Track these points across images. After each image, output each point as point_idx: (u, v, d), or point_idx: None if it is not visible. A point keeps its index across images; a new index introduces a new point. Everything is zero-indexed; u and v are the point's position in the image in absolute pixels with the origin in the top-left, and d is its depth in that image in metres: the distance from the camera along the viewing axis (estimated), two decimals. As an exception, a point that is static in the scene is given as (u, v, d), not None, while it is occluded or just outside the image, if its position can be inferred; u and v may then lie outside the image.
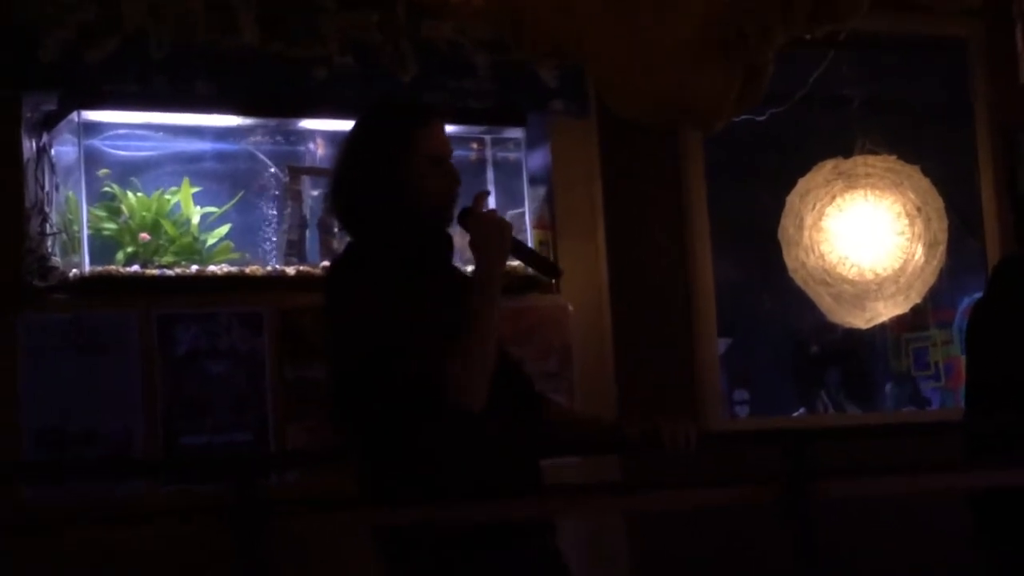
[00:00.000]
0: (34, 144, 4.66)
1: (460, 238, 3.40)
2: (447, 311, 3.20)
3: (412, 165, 3.30)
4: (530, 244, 5.07)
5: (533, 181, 5.28)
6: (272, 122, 5.04)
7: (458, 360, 3.12)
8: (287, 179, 5.01)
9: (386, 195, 3.30)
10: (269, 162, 5.07)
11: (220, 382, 4.67)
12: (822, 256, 5.61)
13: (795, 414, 6.69)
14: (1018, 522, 4.13)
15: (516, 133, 5.26)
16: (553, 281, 5.04)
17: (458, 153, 3.80)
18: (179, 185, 4.88)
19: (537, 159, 5.31)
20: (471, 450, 3.26)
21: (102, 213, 4.76)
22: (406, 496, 3.23)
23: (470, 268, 3.35)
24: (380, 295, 3.20)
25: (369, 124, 3.44)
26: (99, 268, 4.64)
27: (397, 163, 3.30)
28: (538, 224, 5.20)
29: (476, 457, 3.27)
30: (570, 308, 5.17)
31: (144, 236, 4.75)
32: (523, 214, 5.22)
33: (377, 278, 3.24)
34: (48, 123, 4.69)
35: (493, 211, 3.42)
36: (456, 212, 3.38)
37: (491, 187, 5.26)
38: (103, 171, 4.78)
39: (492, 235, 3.28)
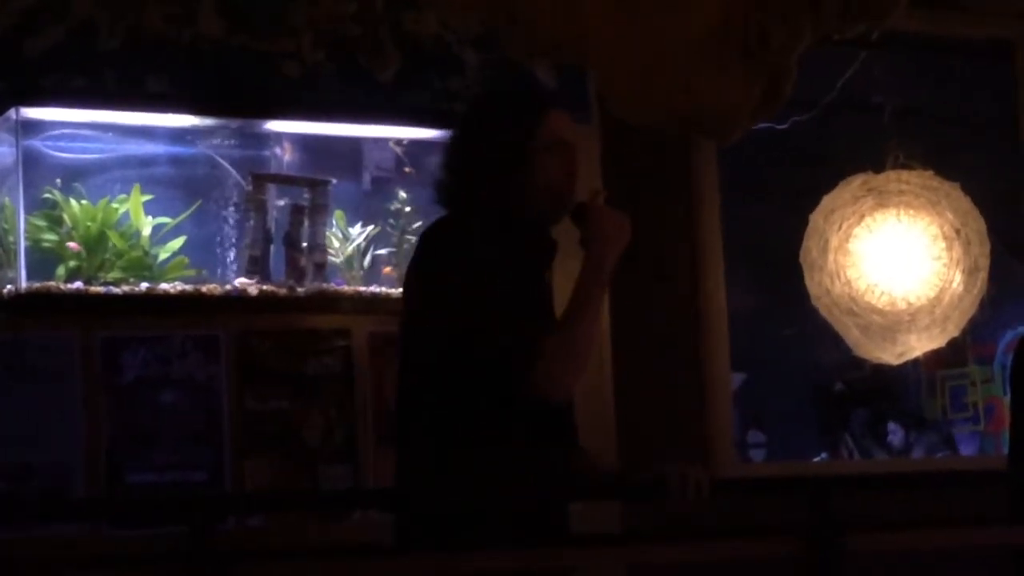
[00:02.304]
0: (-35, 145, 4.69)
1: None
2: (537, 311, 3.40)
3: (534, 147, 3.51)
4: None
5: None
6: (234, 123, 5.04)
7: (553, 347, 3.30)
8: (250, 187, 5.01)
9: (503, 174, 3.50)
10: (230, 168, 5.08)
11: (171, 413, 4.67)
12: (849, 283, 5.64)
13: (816, 459, 6.70)
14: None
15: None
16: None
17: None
18: (128, 192, 4.88)
19: (531, 169, 5.33)
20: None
21: (41, 223, 4.77)
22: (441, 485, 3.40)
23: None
24: (478, 273, 3.37)
25: (494, 102, 3.71)
26: (37, 284, 4.64)
27: (520, 140, 3.50)
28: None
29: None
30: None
31: (73, 246, 4.75)
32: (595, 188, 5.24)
33: (475, 256, 3.40)
34: (-19, 121, 4.71)
35: (611, 208, 3.59)
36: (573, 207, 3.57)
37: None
38: (58, 182, 4.80)
39: (609, 231, 3.51)
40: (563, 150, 3.56)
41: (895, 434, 6.97)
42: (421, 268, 3.52)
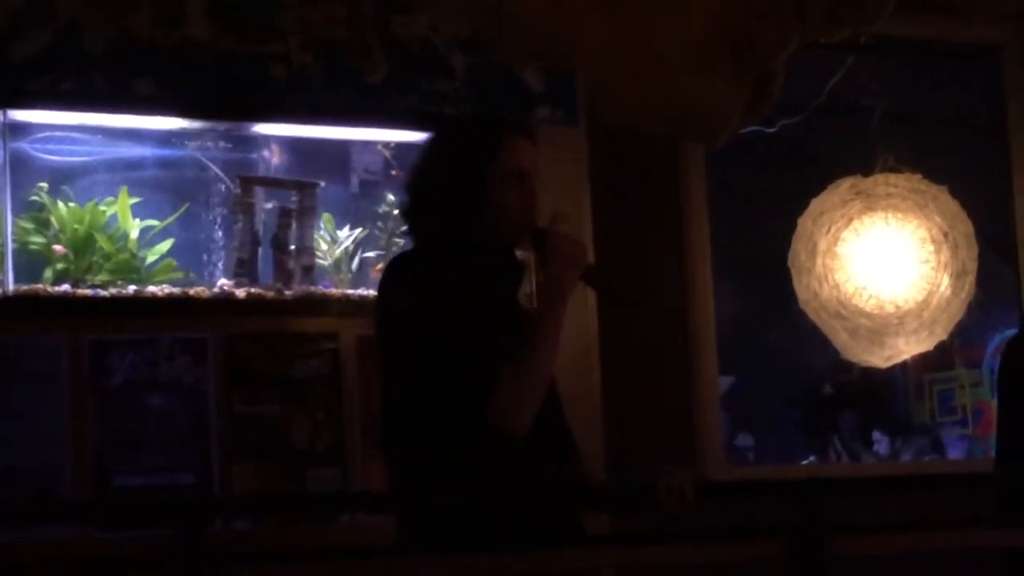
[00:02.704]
0: (-48, 147, 4.69)
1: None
2: (504, 337, 3.39)
3: (492, 175, 3.53)
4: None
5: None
6: (222, 126, 5.05)
7: (508, 378, 3.33)
8: (238, 190, 5.02)
9: (460, 203, 3.52)
10: (218, 171, 5.08)
11: (159, 416, 4.67)
12: (837, 286, 5.65)
13: (804, 463, 6.72)
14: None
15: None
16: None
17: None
18: (116, 195, 4.89)
19: (519, 171, 5.34)
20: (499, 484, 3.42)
21: (29, 225, 4.77)
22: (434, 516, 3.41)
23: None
24: (437, 304, 3.40)
25: (455, 128, 3.73)
26: (24, 287, 4.65)
27: (477, 169, 3.52)
28: (520, 245, 5.21)
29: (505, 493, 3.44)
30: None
31: (59, 249, 4.76)
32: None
33: (436, 286, 3.44)
34: (-32, 124, 4.71)
35: (569, 233, 3.59)
36: (532, 232, 3.59)
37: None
38: (43, 185, 4.80)
39: (568, 256, 3.52)
40: (521, 179, 3.56)
41: (880, 443, 6.99)
42: (381, 306, 3.57)
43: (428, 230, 3.60)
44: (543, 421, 3.45)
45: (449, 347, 3.36)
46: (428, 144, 3.68)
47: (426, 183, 3.60)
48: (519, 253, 3.71)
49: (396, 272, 3.59)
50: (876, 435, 7.01)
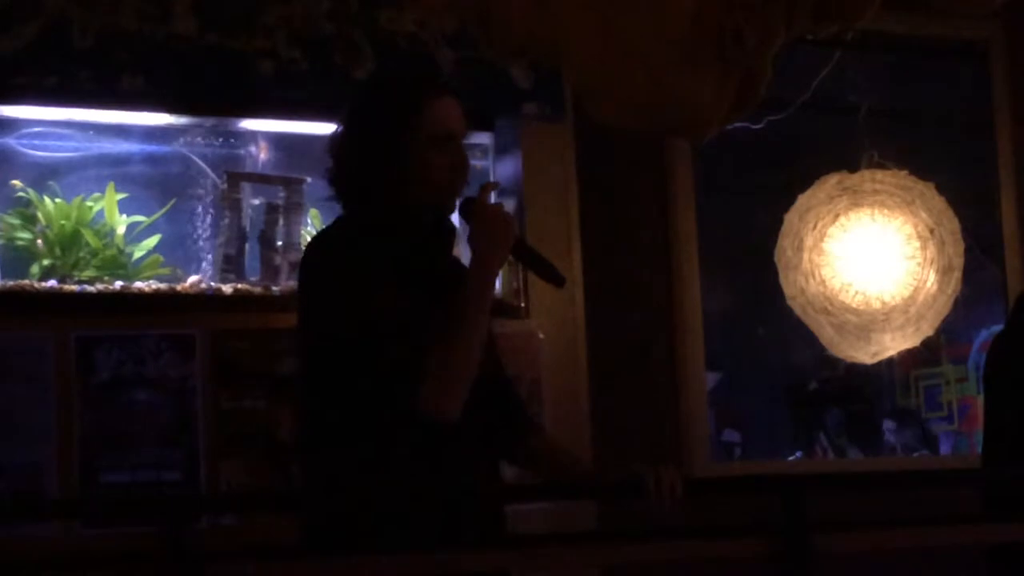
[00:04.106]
0: (-62, 143, 4.69)
1: (462, 230, 3.47)
2: (436, 306, 3.28)
3: (415, 139, 3.37)
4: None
5: (501, 192, 5.30)
6: (209, 122, 5.06)
7: (436, 364, 3.20)
8: (225, 186, 5.02)
9: (385, 169, 3.38)
10: (205, 166, 5.08)
11: (145, 413, 4.67)
12: (823, 282, 5.66)
13: (791, 458, 6.72)
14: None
15: (483, 139, 5.29)
16: (523, 305, 5.12)
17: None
18: (103, 191, 4.89)
19: (506, 168, 5.34)
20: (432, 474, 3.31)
21: (15, 221, 4.77)
22: (351, 512, 3.30)
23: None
24: (361, 278, 3.28)
25: (375, 90, 3.55)
26: (11, 283, 4.65)
27: (399, 133, 3.37)
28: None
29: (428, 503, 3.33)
30: (540, 336, 5.19)
31: (39, 244, 4.76)
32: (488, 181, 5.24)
33: (361, 259, 3.31)
34: (-46, 119, 4.71)
35: (499, 205, 3.48)
36: (459, 201, 3.45)
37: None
38: (17, 183, 4.79)
39: (494, 230, 3.36)
40: (447, 141, 3.41)
41: (891, 432, 6.99)
42: (301, 287, 3.44)
43: (351, 199, 3.45)
44: (475, 402, 3.32)
45: (371, 332, 3.23)
46: (351, 105, 3.50)
47: (347, 149, 3.43)
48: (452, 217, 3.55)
49: (316, 251, 3.45)
50: (887, 424, 7.01)
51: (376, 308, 3.24)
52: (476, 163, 5.38)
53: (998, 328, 4.67)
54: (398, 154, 3.37)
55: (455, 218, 3.51)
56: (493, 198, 3.54)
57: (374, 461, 3.28)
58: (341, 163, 3.45)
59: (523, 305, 5.18)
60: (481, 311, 3.29)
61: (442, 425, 3.25)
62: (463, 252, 3.60)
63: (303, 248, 4.90)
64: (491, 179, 5.29)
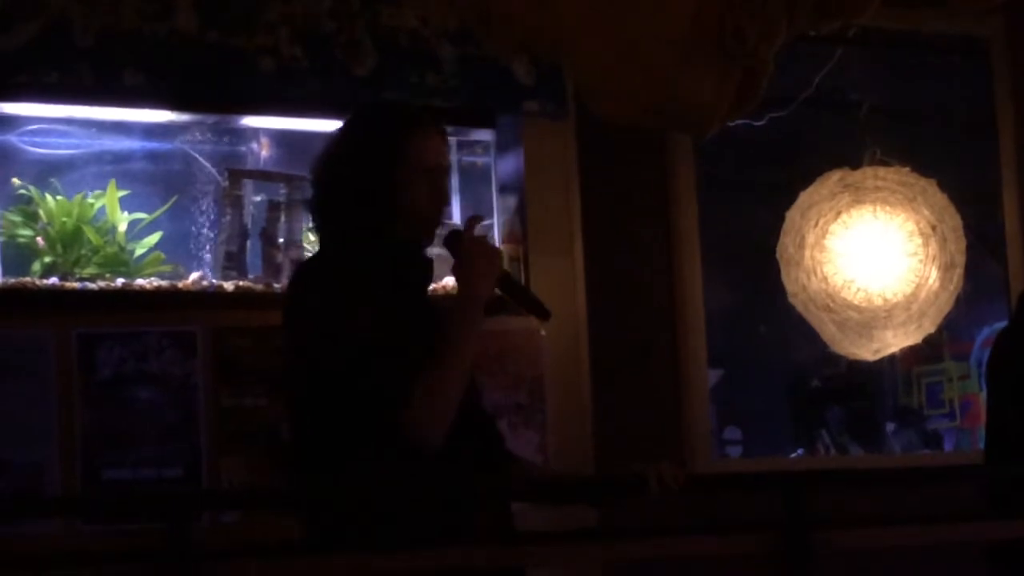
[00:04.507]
0: (-60, 139, 4.69)
1: (439, 264, 3.46)
2: (416, 339, 3.28)
3: (401, 172, 3.38)
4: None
5: (503, 190, 5.32)
6: (210, 119, 5.06)
7: (422, 392, 3.21)
8: (226, 183, 5.03)
9: (368, 201, 3.38)
10: (207, 163, 5.08)
11: (147, 410, 4.67)
12: (825, 279, 5.66)
13: (792, 455, 6.72)
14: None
15: (485, 136, 5.30)
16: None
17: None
18: (104, 188, 4.89)
19: (508, 165, 5.34)
20: (425, 494, 3.30)
21: (17, 218, 4.78)
22: (352, 534, 3.27)
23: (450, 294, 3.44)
24: (346, 308, 3.27)
25: (361, 121, 3.53)
26: (12, 280, 4.65)
27: (385, 167, 3.37)
28: (508, 238, 5.23)
29: (432, 502, 3.32)
30: (543, 333, 5.19)
31: (40, 241, 4.77)
32: (491, 227, 5.24)
33: (345, 289, 3.31)
34: (-43, 116, 4.71)
35: (484, 237, 3.49)
36: (445, 233, 3.46)
37: (456, 195, 5.28)
38: (16, 180, 4.79)
39: (480, 263, 3.37)
40: (432, 176, 3.43)
41: (895, 434, 6.99)
42: (288, 315, 3.43)
43: (335, 228, 3.45)
44: (456, 434, 3.32)
45: (357, 358, 3.23)
46: (336, 135, 3.51)
47: (333, 177, 3.44)
48: (432, 251, 3.55)
49: (302, 279, 3.46)
50: (889, 425, 7.02)
51: (362, 338, 3.23)
52: (478, 160, 5.40)
53: (1000, 325, 4.67)
54: (386, 186, 3.37)
55: (438, 250, 3.52)
56: (480, 231, 3.53)
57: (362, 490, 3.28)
58: (328, 190, 3.46)
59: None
60: (467, 341, 3.30)
61: (425, 456, 3.24)
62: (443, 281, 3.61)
63: (303, 247, 4.95)
64: (493, 176, 5.29)
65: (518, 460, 3.73)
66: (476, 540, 3.36)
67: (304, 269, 3.57)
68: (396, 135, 3.42)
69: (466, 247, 3.39)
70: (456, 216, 5.13)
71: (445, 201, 3.52)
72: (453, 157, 5.37)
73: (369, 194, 3.38)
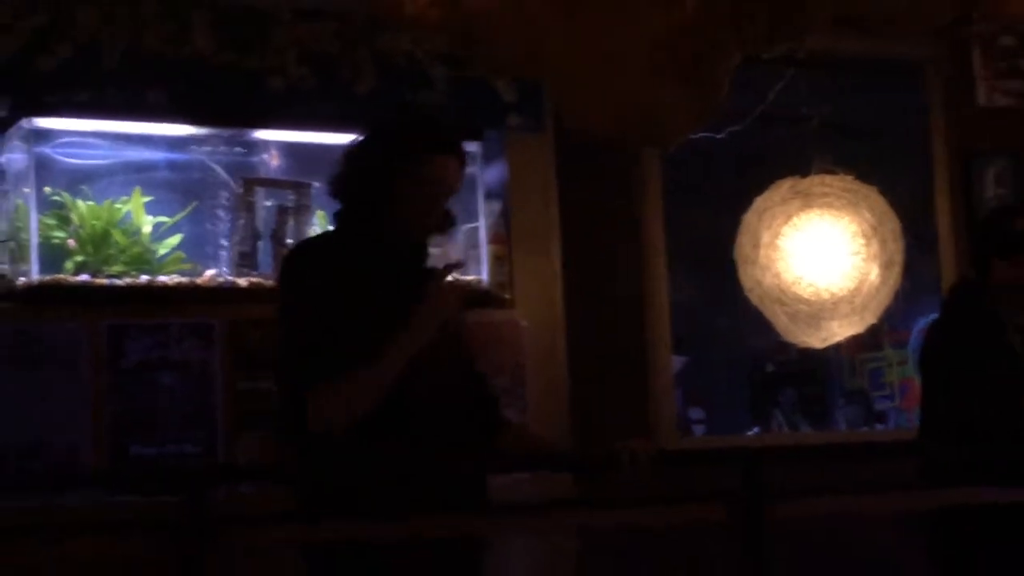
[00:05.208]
0: (-18, 151, 4.67)
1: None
2: (389, 319, 3.26)
3: (415, 187, 3.37)
4: (485, 259, 5.15)
5: (489, 196, 5.31)
6: (226, 132, 5.04)
7: (339, 382, 3.21)
8: (240, 190, 5.02)
9: (377, 201, 3.37)
10: (222, 172, 5.07)
11: (170, 394, 4.67)
12: (778, 275, 5.65)
13: (750, 433, 6.73)
14: (970, 542, 4.19)
15: (472, 147, 5.26)
16: (508, 297, 5.14)
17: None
18: (130, 194, 4.88)
19: (493, 174, 5.33)
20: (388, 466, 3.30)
21: (52, 221, 4.76)
22: (329, 506, 3.28)
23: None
24: (312, 296, 3.28)
25: (397, 130, 3.48)
26: (47, 277, 4.63)
27: (403, 178, 3.35)
28: (493, 239, 5.22)
29: (408, 473, 3.32)
30: (524, 324, 5.19)
31: (71, 243, 4.75)
32: (478, 229, 5.24)
33: (329, 274, 3.30)
34: (-2, 130, 4.69)
35: (454, 283, 3.46)
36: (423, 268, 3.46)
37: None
38: (48, 189, 4.78)
39: (440, 305, 3.36)
40: (439, 195, 3.41)
41: (843, 411, 7.00)
42: (280, 285, 3.46)
43: (343, 214, 3.45)
44: (452, 393, 3.38)
45: (309, 338, 3.25)
46: (366, 136, 3.47)
47: (356, 171, 3.42)
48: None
49: (294, 258, 3.45)
50: (840, 404, 7.03)
51: (319, 322, 3.25)
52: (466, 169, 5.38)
53: (933, 317, 4.67)
54: (397, 193, 3.36)
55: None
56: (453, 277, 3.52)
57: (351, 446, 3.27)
58: (346, 179, 3.45)
59: (509, 297, 5.19)
60: (398, 361, 3.25)
61: (423, 414, 3.27)
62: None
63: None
64: (479, 183, 5.28)
65: (507, 426, 3.69)
66: (457, 510, 3.34)
67: (297, 249, 3.56)
68: (420, 151, 3.39)
69: (432, 289, 3.36)
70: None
71: (444, 220, 3.46)
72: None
73: (380, 195, 3.37)
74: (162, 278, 4.81)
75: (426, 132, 3.47)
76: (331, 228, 3.54)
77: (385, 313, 3.29)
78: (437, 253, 3.57)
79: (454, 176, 3.45)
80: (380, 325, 3.26)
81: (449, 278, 3.47)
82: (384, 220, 3.39)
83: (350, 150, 3.47)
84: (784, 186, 5.73)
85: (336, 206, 3.51)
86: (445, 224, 3.47)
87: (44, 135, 4.76)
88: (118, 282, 4.72)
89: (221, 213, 5.06)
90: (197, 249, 5.00)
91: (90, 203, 4.82)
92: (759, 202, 5.73)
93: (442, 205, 3.44)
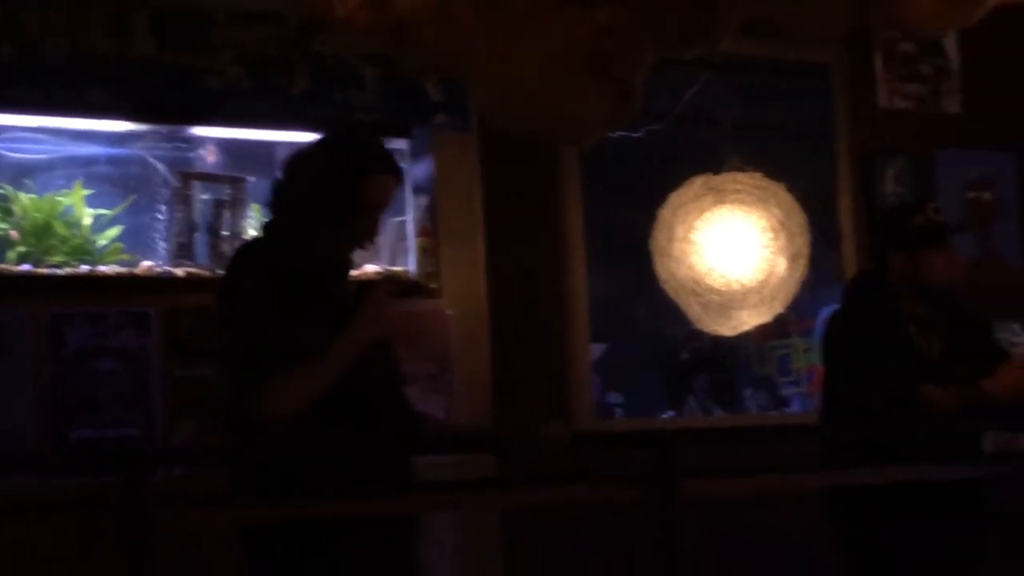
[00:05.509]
0: (-72, 145, 4.62)
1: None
2: (316, 327, 3.28)
3: (349, 201, 3.38)
4: (413, 251, 5.14)
5: (417, 191, 5.30)
6: (164, 129, 5.00)
7: (281, 380, 3.22)
8: (178, 184, 4.98)
9: (314, 213, 3.39)
10: (161, 167, 5.04)
11: (109, 380, 4.63)
12: (691, 267, 5.67)
13: (664, 416, 6.76)
14: (864, 518, 4.24)
15: (401, 144, 5.27)
16: (436, 287, 5.14)
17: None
18: (72, 187, 4.84)
19: (421, 170, 5.33)
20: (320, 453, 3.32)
21: (-5, 214, 4.71)
22: (263, 490, 3.29)
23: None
24: (258, 293, 3.28)
25: (337, 145, 3.50)
26: (-10, 267, 4.59)
27: (338, 193, 3.38)
28: (421, 232, 5.22)
29: (332, 459, 3.34)
30: (450, 313, 5.19)
31: (14, 234, 4.70)
32: (406, 222, 5.24)
33: (266, 278, 3.31)
34: (-58, 125, 4.64)
35: (390, 300, 3.46)
36: (361, 284, 3.50)
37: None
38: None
39: (376, 318, 3.38)
40: (372, 211, 3.45)
41: (752, 398, 7.03)
42: (220, 285, 3.46)
43: (282, 223, 3.46)
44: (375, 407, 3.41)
45: (252, 337, 3.26)
46: (312, 148, 3.50)
47: (294, 184, 3.45)
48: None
49: (239, 259, 3.45)
50: (747, 391, 7.05)
51: (262, 321, 3.25)
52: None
53: (834, 307, 4.72)
54: (330, 205, 3.38)
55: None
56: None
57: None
58: (285, 195, 3.46)
59: (436, 287, 5.19)
60: (333, 362, 3.27)
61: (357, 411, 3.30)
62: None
63: (245, 239, 4.91)
64: (408, 179, 5.26)
65: (424, 419, 3.75)
66: (384, 490, 3.35)
67: (243, 250, 3.54)
68: (363, 168, 3.41)
69: (368, 303, 3.38)
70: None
71: (375, 233, 3.50)
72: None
73: (317, 208, 3.39)
74: (102, 268, 4.76)
75: (365, 153, 3.48)
76: (266, 231, 3.53)
77: (321, 318, 3.31)
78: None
79: (391, 194, 3.49)
80: (318, 329, 3.28)
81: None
82: (319, 234, 3.40)
83: (291, 167, 3.48)
84: (698, 183, 5.75)
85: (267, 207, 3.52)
86: (371, 239, 3.51)
87: (-11, 130, 4.72)
88: (59, 272, 4.67)
89: (159, 206, 5.03)
90: (136, 240, 4.96)
91: (32, 196, 4.77)
92: (674, 198, 5.75)
93: (377, 223, 3.48)
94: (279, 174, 3.51)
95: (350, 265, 3.56)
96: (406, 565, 3.45)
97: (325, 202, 3.39)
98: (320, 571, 3.26)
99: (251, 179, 5.03)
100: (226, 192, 5.01)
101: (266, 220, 3.54)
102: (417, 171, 5.32)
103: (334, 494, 3.25)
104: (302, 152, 3.51)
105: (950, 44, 6.30)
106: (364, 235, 3.47)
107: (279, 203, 3.48)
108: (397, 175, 3.51)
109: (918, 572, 4.21)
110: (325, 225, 3.40)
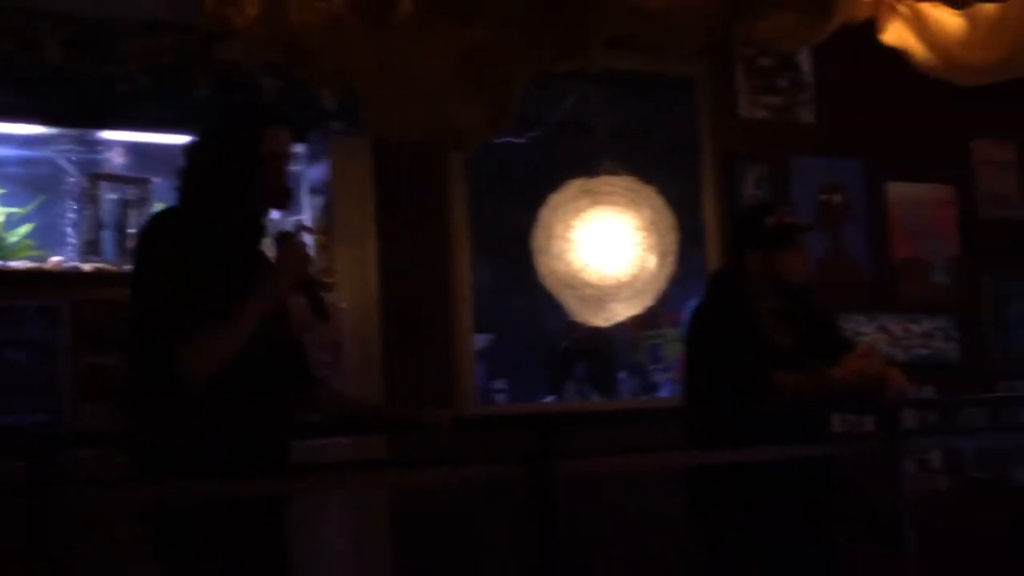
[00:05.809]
0: None
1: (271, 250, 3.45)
2: (233, 288, 3.25)
3: (253, 156, 3.35)
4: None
5: (313, 191, 5.32)
6: (73, 132, 4.99)
7: (201, 338, 3.17)
8: (86, 184, 4.97)
9: (224, 175, 3.35)
10: (70, 168, 5.02)
11: (20, 369, 4.60)
12: (569, 263, 5.70)
13: (545, 401, 6.81)
14: (719, 496, 4.33)
15: (299, 149, 5.28)
16: (330, 281, 5.15)
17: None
18: (-16, 188, 4.82)
19: (317, 172, 5.34)
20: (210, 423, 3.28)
21: (-91, 211, 4.67)
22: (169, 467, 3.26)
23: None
24: (171, 260, 3.24)
25: (230, 114, 3.49)
26: (-95, 263, 4.54)
27: (242, 152, 3.35)
28: (316, 230, 5.23)
29: (216, 432, 3.31)
30: (344, 306, 5.22)
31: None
32: (302, 221, 5.25)
33: (183, 243, 3.26)
34: None
35: (304, 244, 3.44)
36: (276, 232, 3.44)
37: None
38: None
39: (290, 263, 3.35)
40: (275, 161, 3.40)
41: (626, 382, 7.08)
42: (136, 251, 3.40)
43: (193, 193, 3.41)
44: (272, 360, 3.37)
45: (166, 300, 3.20)
46: (207, 125, 3.48)
47: (200, 154, 3.41)
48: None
49: (153, 225, 3.39)
50: (621, 375, 7.10)
51: (177, 285, 3.20)
52: (294, 168, 5.38)
53: (696, 302, 4.78)
54: (238, 166, 3.35)
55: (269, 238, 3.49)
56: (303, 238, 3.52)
57: (181, 408, 3.24)
58: (191, 166, 3.42)
59: (330, 282, 5.20)
60: (252, 313, 3.24)
61: (245, 379, 3.26)
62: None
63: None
64: (304, 181, 5.29)
65: (324, 383, 3.73)
66: (265, 471, 3.34)
67: (157, 217, 3.48)
68: (253, 126, 3.39)
69: (285, 248, 3.37)
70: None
71: (284, 183, 3.44)
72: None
73: (224, 166, 3.36)
74: (13, 263, 4.74)
75: (261, 109, 3.54)
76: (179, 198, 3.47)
77: (234, 279, 3.28)
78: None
79: (289, 146, 3.46)
80: (235, 290, 3.25)
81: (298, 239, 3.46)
82: (229, 198, 3.36)
83: (193, 145, 3.45)
84: (575, 185, 5.80)
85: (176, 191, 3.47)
86: (284, 199, 3.46)
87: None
88: (-29, 267, 4.64)
89: (69, 205, 5.01)
90: (46, 237, 4.94)
91: (-55, 195, 4.74)
92: (553, 199, 5.79)
93: (283, 176, 3.43)
94: (155, 190, 3.49)
95: (264, 229, 3.49)
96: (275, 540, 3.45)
97: (231, 157, 3.35)
98: (205, 544, 3.26)
99: (155, 180, 5.03)
100: (132, 192, 5.01)
101: (178, 186, 3.47)
102: (313, 173, 5.34)
103: (224, 469, 3.24)
104: (206, 124, 3.49)
105: (804, 59, 6.41)
106: (272, 187, 3.40)
107: (189, 173, 3.43)
108: (292, 128, 3.47)
109: (775, 547, 4.28)
110: (234, 181, 3.35)
